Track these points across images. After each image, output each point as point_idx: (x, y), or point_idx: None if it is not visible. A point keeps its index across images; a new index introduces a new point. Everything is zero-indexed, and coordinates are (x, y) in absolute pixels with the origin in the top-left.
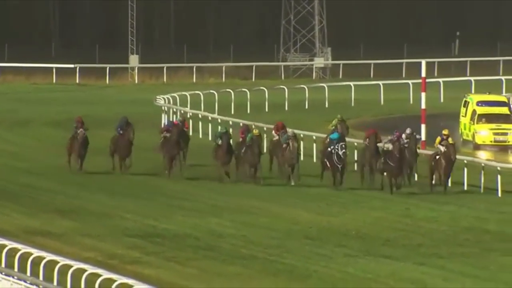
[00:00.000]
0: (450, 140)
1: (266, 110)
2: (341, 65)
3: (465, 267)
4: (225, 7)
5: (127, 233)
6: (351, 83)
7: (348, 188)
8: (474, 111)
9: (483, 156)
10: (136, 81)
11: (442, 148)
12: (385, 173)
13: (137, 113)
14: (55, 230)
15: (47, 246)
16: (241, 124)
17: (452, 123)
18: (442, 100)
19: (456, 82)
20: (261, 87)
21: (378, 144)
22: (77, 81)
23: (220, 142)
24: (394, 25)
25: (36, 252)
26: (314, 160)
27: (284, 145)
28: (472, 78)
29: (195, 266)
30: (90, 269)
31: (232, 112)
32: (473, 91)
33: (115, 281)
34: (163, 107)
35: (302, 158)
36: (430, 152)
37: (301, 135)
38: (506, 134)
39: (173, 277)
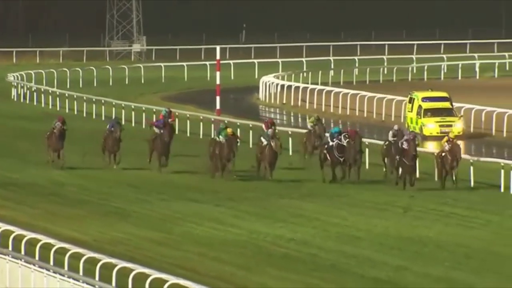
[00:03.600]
0: (455, 141)
1: (95, 85)
2: (153, 50)
3: (251, 207)
4: (63, 2)
5: None
6: (162, 64)
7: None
8: (420, 107)
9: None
10: None
11: (447, 147)
12: (400, 170)
13: None
14: None
15: None
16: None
17: (241, 95)
18: (232, 78)
19: (243, 64)
20: (91, 67)
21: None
22: None
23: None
24: (196, 18)
25: None
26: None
27: (264, 143)
28: (256, 61)
29: (42, 208)
30: None
31: (68, 86)
32: (256, 72)
33: None
34: (13, 83)
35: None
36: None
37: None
38: (450, 125)
39: (25, 217)
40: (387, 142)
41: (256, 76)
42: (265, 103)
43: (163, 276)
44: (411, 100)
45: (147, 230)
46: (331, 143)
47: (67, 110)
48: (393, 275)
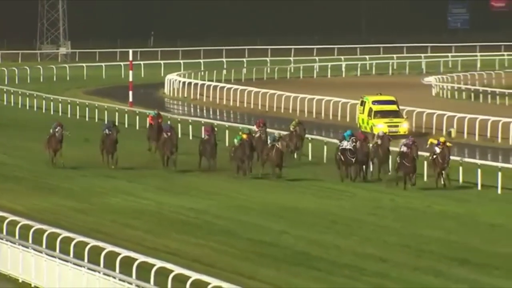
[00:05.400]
0: (448, 144)
1: (29, 82)
2: (77, 52)
3: (159, 183)
4: (1, 12)
5: None
6: (84, 64)
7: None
8: (370, 109)
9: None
10: None
11: (438, 150)
12: (400, 171)
13: None
14: None
15: None
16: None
17: (151, 90)
18: (143, 76)
19: (151, 64)
20: (25, 67)
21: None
22: None
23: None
24: (112, 26)
25: None
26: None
27: (270, 146)
28: (162, 62)
29: None
30: None
31: (6, 83)
32: (162, 71)
33: None
34: None
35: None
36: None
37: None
38: (397, 126)
39: None
40: (374, 145)
41: (162, 75)
42: (170, 96)
43: (85, 239)
44: (363, 103)
45: (71, 201)
46: (343, 146)
47: (5, 103)
48: (276, 238)
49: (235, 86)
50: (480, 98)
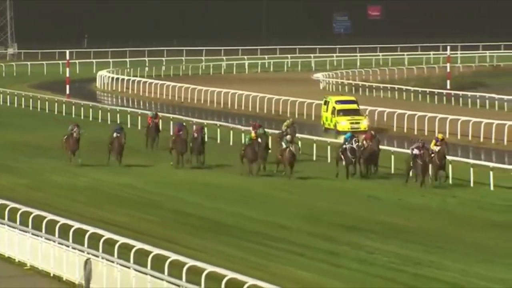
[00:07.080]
0: (444, 140)
1: None
2: (22, 53)
3: (96, 163)
4: None
5: None
6: (28, 63)
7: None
8: (334, 108)
9: None
10: None
11: (436, 149)
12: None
13: None
14: None
15: None
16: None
17: (85, 84)
18: (78, 72)
19: (85, 62)
20: None
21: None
22: None
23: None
24: (51, 30)
25: None
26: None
27: (284, 147)
28: (94, 60)
29: None
30: None
31: None
32: (94, 68)
33: None
34: None
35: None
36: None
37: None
38: (358, 123)
39: None
40: (366, 145)
41: (94, 71)
42: (101, 89)
43: (30, 209)
44: (326, 103)
45: (21, 178)
46: (344, 146)
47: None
48: (196, 209)
49: (156, 81)
50: (359, 91)
